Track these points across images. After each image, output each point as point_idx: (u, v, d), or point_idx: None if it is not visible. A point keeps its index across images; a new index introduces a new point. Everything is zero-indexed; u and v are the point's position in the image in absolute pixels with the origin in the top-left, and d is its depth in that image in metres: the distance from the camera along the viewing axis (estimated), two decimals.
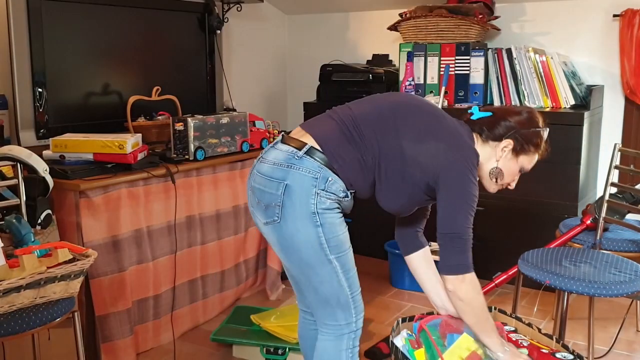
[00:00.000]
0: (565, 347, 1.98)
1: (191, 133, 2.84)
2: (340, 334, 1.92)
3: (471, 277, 1.81)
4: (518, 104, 3.53)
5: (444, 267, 1.82)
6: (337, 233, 1.83)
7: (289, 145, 1.84)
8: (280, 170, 1.81)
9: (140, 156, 2.69)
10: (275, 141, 1.92)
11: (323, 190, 1.79)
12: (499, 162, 1.93)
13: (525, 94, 3.49)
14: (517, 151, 1.92)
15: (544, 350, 1.96)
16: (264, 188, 1.82)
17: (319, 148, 1.81)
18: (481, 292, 1.86)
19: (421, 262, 2.21)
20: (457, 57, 3.63)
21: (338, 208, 1.85)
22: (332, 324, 1.91)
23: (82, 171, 2.51)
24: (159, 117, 3.17)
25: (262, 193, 1.83)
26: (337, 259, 1.84)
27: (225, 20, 3.80)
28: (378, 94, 2.02)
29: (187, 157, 2.85)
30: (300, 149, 1.81)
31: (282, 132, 1.96)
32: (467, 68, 3.61)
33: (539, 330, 2.07)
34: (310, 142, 1.83)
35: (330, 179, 1.80)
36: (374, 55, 4.12)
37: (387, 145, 1.83)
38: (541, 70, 3.45)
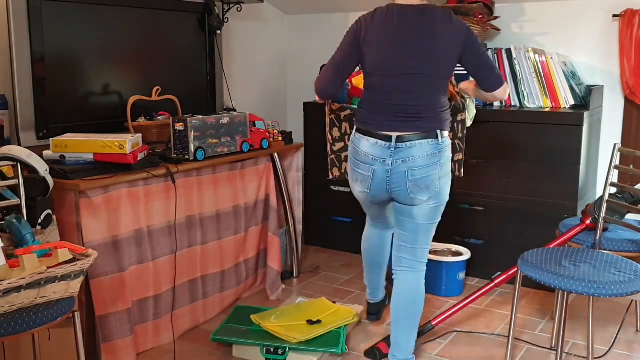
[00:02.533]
0: None
1: (191, 133, 2.84)
2: (424, 270, 2.52)
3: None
4: (518, 105, 3.53)
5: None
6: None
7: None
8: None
9: (140, 156, 2.69)
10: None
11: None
12: None
13: (525, 94, 3.49)
14: None
15: None
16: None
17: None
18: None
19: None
20: None
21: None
22: (423, 262, 2.50)
23: (83, 171, 2.52)
24: (159, 117, 3.18)
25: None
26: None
27: (225, 20, 3.80)
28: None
29: (187, 157, 2.86)
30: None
31: None
32: None
33: None
34: None
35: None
36: None
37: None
38: (541, 71, 3.45)
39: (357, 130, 2.47)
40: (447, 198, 2.46)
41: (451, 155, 2.46)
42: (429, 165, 2.35)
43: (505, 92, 2.44)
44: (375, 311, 3.04)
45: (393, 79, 2.36)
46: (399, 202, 2.45)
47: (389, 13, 2.37)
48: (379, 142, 2.36)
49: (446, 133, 2.40)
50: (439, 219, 2.50)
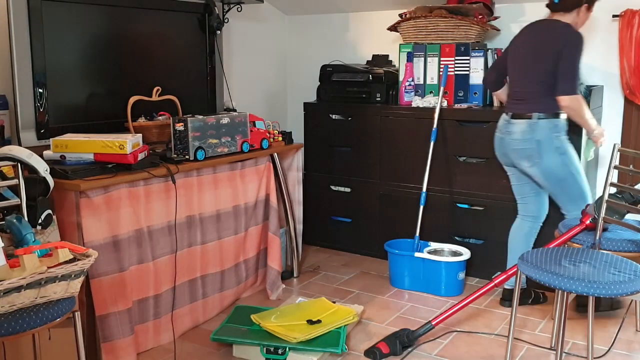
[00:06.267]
0: None
1: (191, 133, 2.84)
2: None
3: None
4: None
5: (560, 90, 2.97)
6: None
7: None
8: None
9: (140, 156, 2.69)
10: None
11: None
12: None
13: None
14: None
15: None
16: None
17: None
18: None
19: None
20: (456, 58, 3.64)
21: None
22: (575, 211, 3.03)
23: (83, 171, 2.52)
24: (160, 118, 3.18)
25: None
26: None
27: (226, 20, 3.80)
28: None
29: (187, 157, 2.86)
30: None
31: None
32: (467, 68, 3.62)
33: None
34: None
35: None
36: (373, 55, 4.12)
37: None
38: None
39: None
40: None
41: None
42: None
43: None
44: (509, 297, 3.27)
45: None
46: None
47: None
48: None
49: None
50: None
